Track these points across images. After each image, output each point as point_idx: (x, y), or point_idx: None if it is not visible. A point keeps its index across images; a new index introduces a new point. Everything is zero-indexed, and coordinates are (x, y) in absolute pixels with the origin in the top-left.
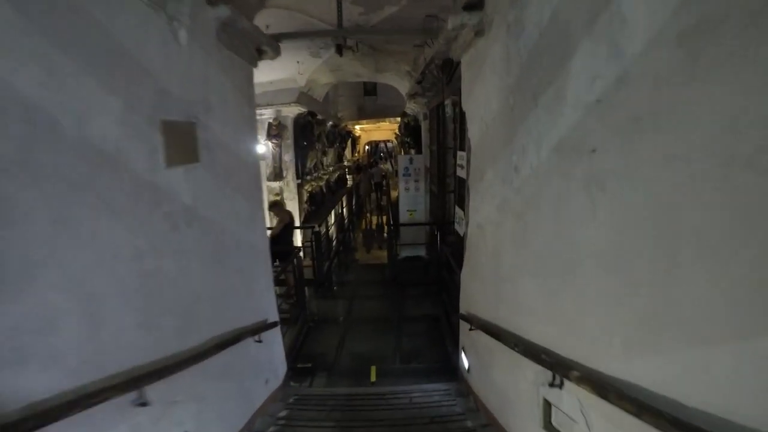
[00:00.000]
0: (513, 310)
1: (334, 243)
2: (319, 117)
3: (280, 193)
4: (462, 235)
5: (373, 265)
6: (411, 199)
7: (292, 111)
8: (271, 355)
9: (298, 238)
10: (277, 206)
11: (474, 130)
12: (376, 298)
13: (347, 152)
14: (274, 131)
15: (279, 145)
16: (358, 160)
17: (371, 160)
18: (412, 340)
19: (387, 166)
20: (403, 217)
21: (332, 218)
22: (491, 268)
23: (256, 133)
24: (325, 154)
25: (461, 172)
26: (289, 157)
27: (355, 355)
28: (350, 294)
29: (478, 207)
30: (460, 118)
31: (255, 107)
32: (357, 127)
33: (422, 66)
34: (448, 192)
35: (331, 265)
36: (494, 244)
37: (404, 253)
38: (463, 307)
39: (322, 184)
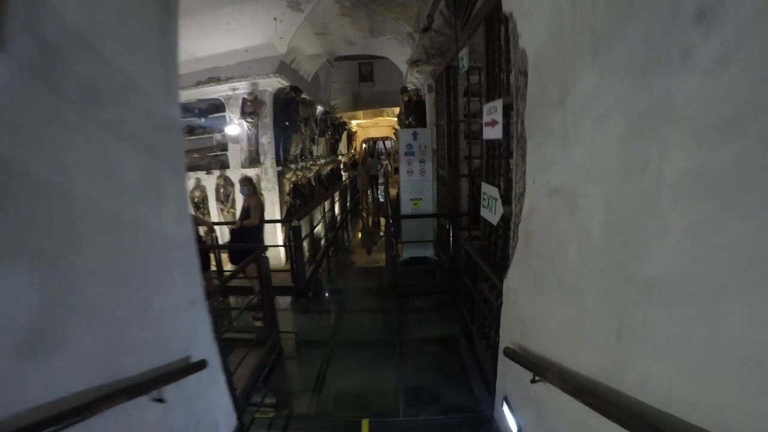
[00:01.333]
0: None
1: (323, 243)
2: (306, 96)
3: (256, 182)
4: (494, 224)
5: (370, 269)
6: (415, 185)
7: (271, 84)
8: (200, 411)
9: (279, 237)
10: (251, 184)
11: (535, 30)
12: (372, 311)
13: (342, 146)
14: (249, 108)
15: (255, 125)
16: (354, 156)
17: (366, 155)
18: (419, 372)
19: (386, 162)
20: (406, 208)
21: (322, 215)
22: (600, 268)
23: (174, 56)
24: (314, 142)
25: (492, 132)
26: (267, 140)
27: (341, 396)
28: (339, 306)
29: (552, 160)
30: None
31: (176, 18)
32: (354, 122)
33: (429, 5)
34: (461, 177)
35: (318, 270)
36: (612, 221)
37: (407, 253)
38: (511, 337)
39: (310, 175)
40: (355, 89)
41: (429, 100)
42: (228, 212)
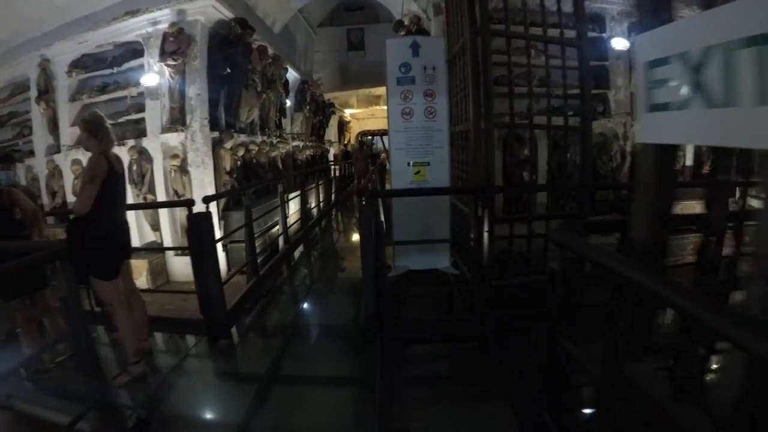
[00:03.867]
0: None
1: (282, 245)
2: (266, 45)
3: (181, 155)
4: None
5: (348, 286)
6: (416, 138)
7: (203, 12)
8: None
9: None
10: (95, 130)
11: None
12: (328, 383)
13: (333, 134)
14: (172, 45)
15: (181, 70)
16: (346, 147)
17: (361, 143)
18: None
19: (383, 156)
20: (401, 180)
21: (281, 204)
22: None
23: None
24: (283, 113)
25: None
26: (196, 91)
27: None
28: (270, 368)
29: None
30: None
31: None
32: (347, 111)
33: None
34: (495, 129)
35: (263, 288)
36: None
37: (403, 261)
38: None
39: (275, 154)
40: (343, 60)
41: (435, 26)
42: (144, 199)
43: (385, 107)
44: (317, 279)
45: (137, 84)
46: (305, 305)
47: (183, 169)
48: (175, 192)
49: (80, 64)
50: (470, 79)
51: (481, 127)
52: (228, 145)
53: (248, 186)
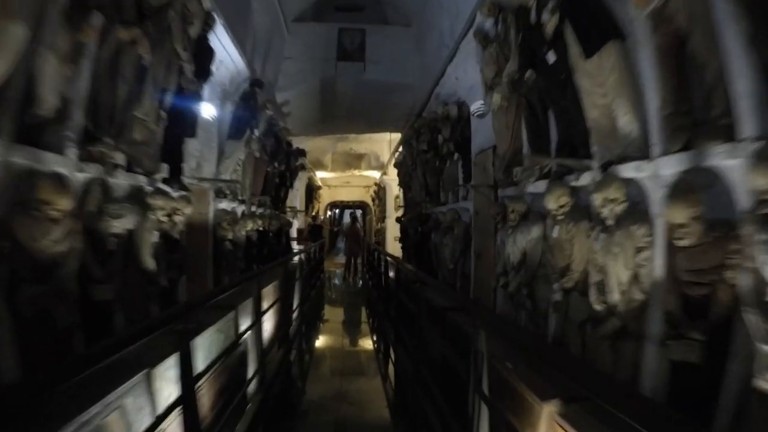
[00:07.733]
0: None
1: None
2: None
3: None
4: None
5: None
6: None
7: None
8: None
9: None
10: None
11: None
12: None
13: (300, 199)
14: None
15: None
16: (315, 219)
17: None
18: None
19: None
20: None
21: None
22: None
23: None
24: (185, 112)
25: None
26: None
27: None
28: None
29: None
30: None
31: None
32: (318, 175)
33: None
34: None
35: None
36: None
37: None
38: None
39: (119, 230)
40: (329, 75)
41: None
42: None
43: (366, 173)
44: None
45: None
46: None
47: None
48: None
49: None
50: None
51: None
52: None
53: None
